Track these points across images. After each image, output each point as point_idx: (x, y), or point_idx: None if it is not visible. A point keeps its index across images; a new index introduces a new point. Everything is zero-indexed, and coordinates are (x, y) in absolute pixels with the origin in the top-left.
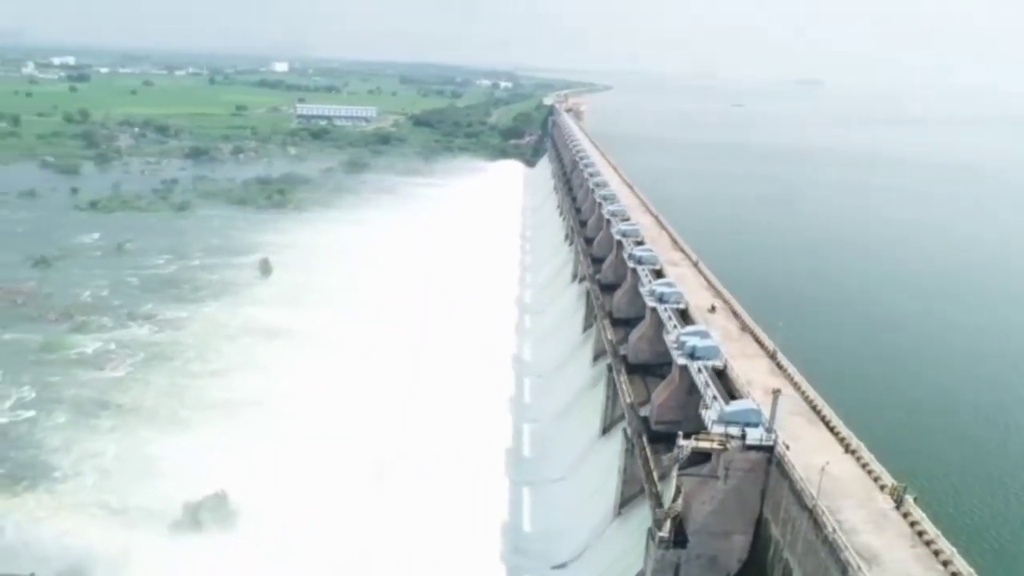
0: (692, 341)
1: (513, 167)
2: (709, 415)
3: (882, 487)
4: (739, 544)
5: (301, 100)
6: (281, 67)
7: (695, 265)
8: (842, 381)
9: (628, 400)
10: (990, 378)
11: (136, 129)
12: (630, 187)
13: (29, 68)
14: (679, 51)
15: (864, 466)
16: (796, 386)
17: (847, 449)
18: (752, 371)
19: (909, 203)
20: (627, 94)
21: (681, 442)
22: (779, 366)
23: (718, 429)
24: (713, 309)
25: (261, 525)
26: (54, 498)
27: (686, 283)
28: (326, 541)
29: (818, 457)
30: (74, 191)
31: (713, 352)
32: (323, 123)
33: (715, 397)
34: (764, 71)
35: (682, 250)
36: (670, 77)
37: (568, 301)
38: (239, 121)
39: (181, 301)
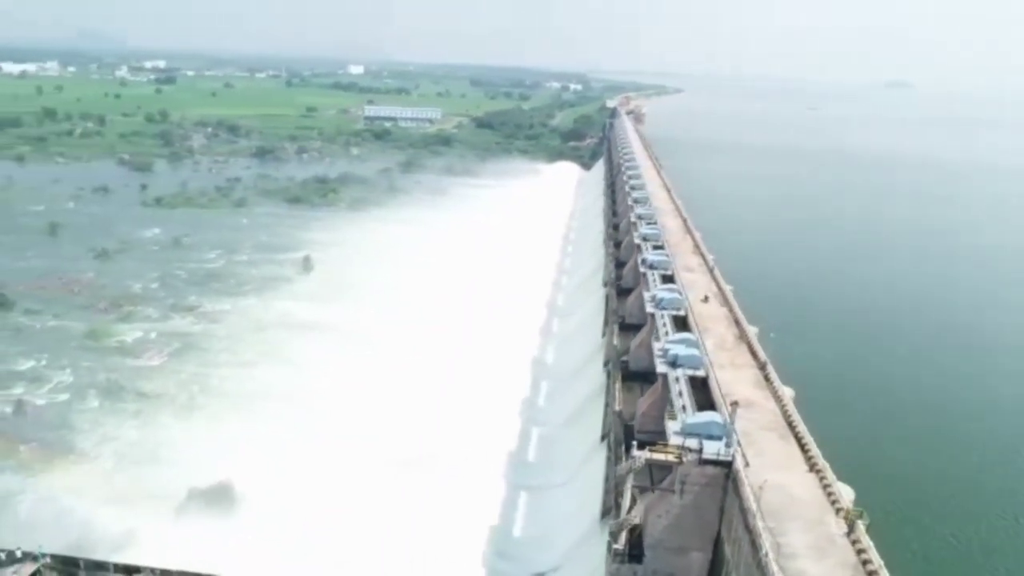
0: (675, 349)
1: (568, 169)
2: (671, 426)
3: (838, 510)
4: (697, 562)
5: (370, 102)
6: (357, 70)
7: (710, 271)
8: (863, 403)
9: (616, 408)
10: None
11: (209, 129)
12: (668, 190)
13: (123, 71)
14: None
15: (826, 487)
16: (778, 399)
17: (812, 468)
18: (737, 382)
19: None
20: (697, 97)
21: (635, 453)
22: (766, 378)
23: (678, 441)
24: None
25: (260, 514)
26: (71, 477)
27: (696, 289)
28: (315, 532)
29: (779, 475)
30: (143, 187)
31: (695, 361)
32: (387, 124)
33: (684, 407)
34: (851, 74)
35: (702, 255)
36: (748, 79)
37: (594, 305)
38: (308, 122)
39: (223, 295)
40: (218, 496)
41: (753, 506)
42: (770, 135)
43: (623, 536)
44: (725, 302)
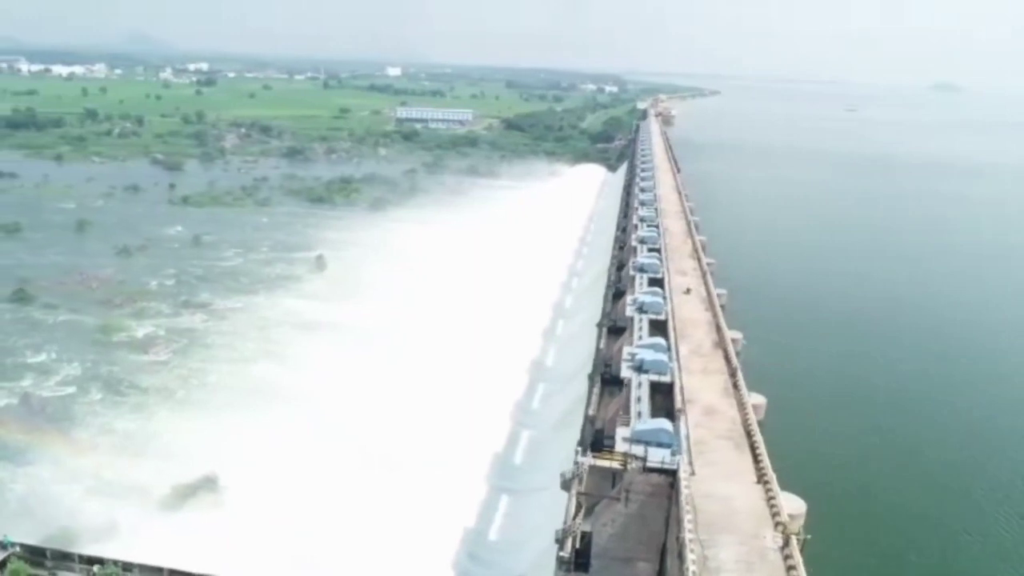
0: (643, 354)
1: (593, 171)
2: (620, 432)
3: (777, 524)
4: (644, 573)
5: (403, 103)
6: (394, 72)
7: (704, 275)
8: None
9: (590, 412)
10: None
11: (242, 130)
12: (679, 192)
13: (167, 73)
14: (802, 56)
15: (770, 499)
16: (743, 407)
17: (760, 479)
18: (704, 389)
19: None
20: (734, 99)
21: (579, 459)
22: (735, 385)
23: (625, 447)
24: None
25: (242, 508)
26: (63, 468)
27: (683, 294)
28: (289, 527)
29: (725, 485)
30: (171, 186)
31: (661, 366)
32: (418, 126)
33: (639, 413)
34: (897, 76)
35: (699, 259)
36: (790, 81)
37: (597, 308)
38: (340, 123)
39: (236, 292)
40: (200, 490)
41: (685, 517)
42: (799, 138)
43: (569, 544)
44: (711, 307)
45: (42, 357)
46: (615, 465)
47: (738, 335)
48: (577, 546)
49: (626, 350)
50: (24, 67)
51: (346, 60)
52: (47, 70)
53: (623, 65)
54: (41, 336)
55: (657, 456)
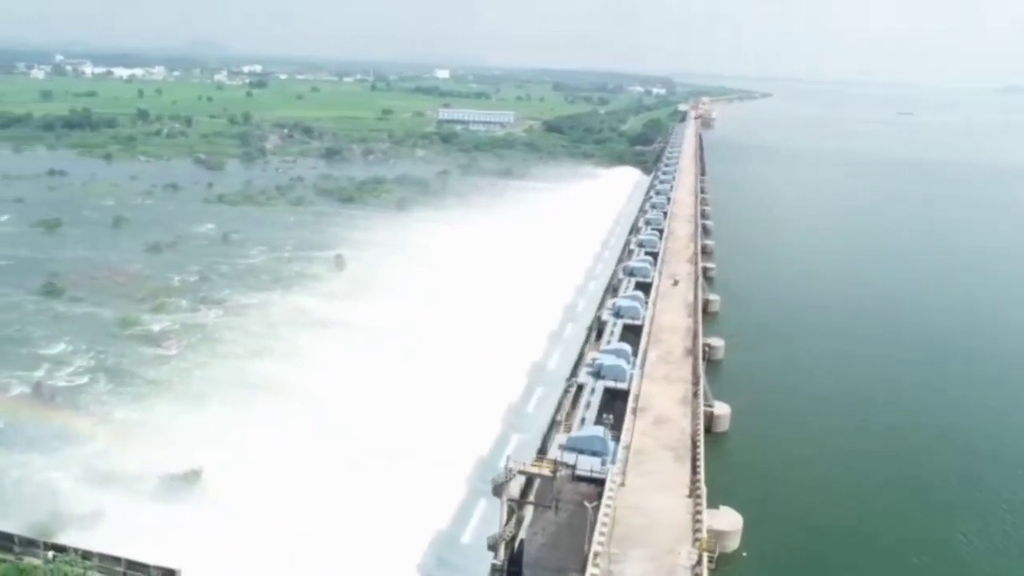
0: (603, 360)
1: (628, 174)
2: (557, 439)
3: (696, 540)
4: None
5: (445, 105)
6: (443, 74)
7: (695, 281)
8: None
9: (556, 418)
10: None
11: (285, 130)
12: (696, 196)
13: (222, 75)
14: (862, 58)
15: (696, 514)
16: (695, 418)
17: (692, 492)
18: (662, 396)
19: None
20: (785, 101)
21: (510, 464)
22: (695, 395)
23: (557, 455)
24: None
25: (224, 502)
26: (59, 455)
27: (671, 298)
28: (262, 522)
29: (654, 497)
30: (209, 185)
31: (620, 372)
32: (457, 128)
33: (583, 420)
34: (963, 79)
35: (696, 264)
36: (846, 84)
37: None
38: (381, 124)
39: (254, 290)
40: (184, 482)
41: (597, 529)
42: (843, 141)
43: (502, 551)
44: (693, 312)
45: (60, 348)
46: (544, 472)
47: (720, 342)
48: (512, 553)
49: (590, 355)
50: (88, 69)
51: (396, 62)
52: (109, 72)
53: (675, 67)
54: (62, 328)
55: (588, 465)
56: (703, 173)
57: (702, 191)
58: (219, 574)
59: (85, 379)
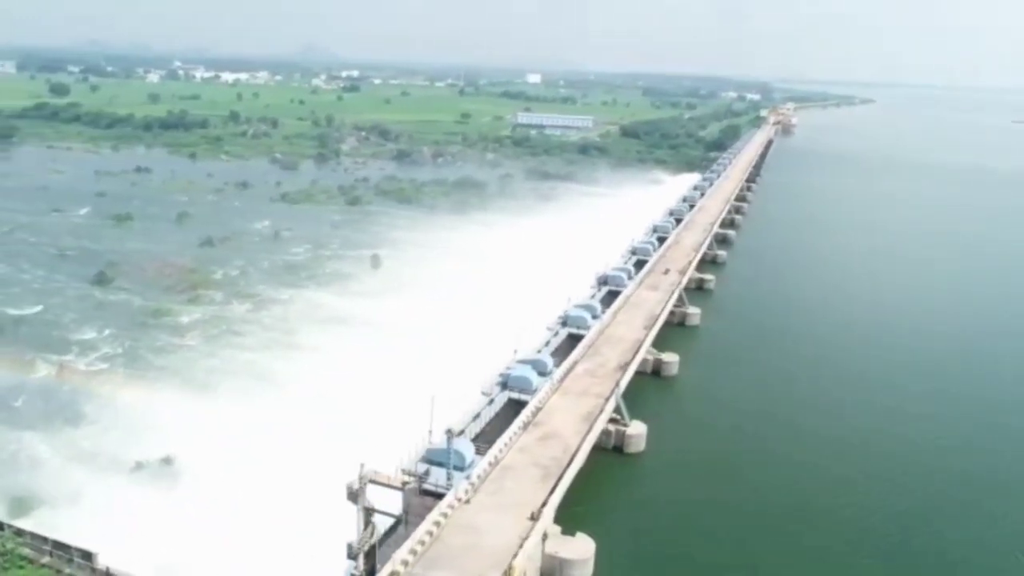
0: (516, 371)
1: (693, 180)
2: (417, 450)
3: (510, 567)
4: None
5: (526, 109)
6: (534, 79)
7: (671, 292)
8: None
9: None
10: None
11: (363, 133)
12: (725, 203)
13: (320, 79)
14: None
15: (523, 540)
16: (589, 432)
17: (533, 516)
18: (565, 411)
19: None
20: (886, 108)
21: (363, 472)
22: (602, 410)
23: (413, 467)
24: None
25: (204, 489)
26: (58, 436)
27: (642, 307)
28: (225, 511)
29: (493, 517)
30: (277, 184)
31: (525, 384)
32: (533, 132)
33: (461, 431)
34: None
35: (684, 274)
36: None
37: None
38: (459, 128)
39: (289, 286)
40: (153, 467)
41: (405, 546)
42: (938, 152)
43: (361, 561)
44: (651, 325)
45: (92, 335)
46: (391, 483)
47: (674, 358)
48: (373, 563)
49: (504, 365)
50: (199, 74)
51: (490, 67)
52: (216, 76)
53: (776, 72)
54: (99, 316)
55: (438, 478)
56: (752, 180)
57: (743, 199)
58: (134, 557)
59: (106, 365)
